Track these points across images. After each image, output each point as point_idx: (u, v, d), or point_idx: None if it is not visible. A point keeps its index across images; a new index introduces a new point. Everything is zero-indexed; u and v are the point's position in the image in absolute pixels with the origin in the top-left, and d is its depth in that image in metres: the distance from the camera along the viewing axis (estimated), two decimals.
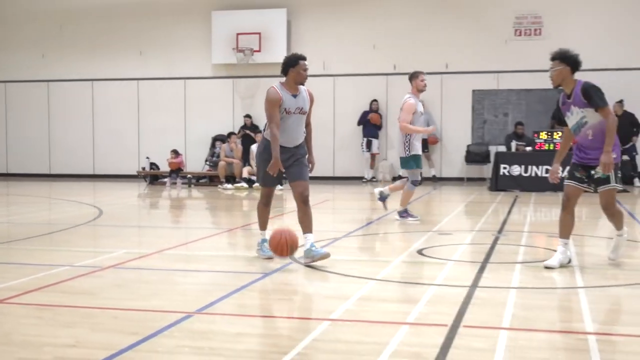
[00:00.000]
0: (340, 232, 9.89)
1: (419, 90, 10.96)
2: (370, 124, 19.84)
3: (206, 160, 20.40)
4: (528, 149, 16.92)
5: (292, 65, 7.39)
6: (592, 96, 6.87)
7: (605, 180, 7.01)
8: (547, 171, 16.32)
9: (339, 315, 5.41)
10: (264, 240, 7.69)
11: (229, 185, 18.49)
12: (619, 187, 7.19)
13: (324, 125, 20.33)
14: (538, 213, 12.82)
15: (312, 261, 7.29)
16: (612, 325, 5.25)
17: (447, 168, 19.96)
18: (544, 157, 16.30)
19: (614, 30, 18.59)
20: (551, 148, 16.35)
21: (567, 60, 7.02)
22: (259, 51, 20.43)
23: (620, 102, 17.46)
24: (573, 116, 7.07)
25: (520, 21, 19.15)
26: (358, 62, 20.22)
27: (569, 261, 7.33)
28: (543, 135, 16.52)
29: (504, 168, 16.63)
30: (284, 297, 6.23)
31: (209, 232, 10.63)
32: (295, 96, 7.43)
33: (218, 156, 19.40)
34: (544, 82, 18.74)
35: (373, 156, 20.06)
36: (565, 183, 7.28)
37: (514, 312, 5.53)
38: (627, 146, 16.86)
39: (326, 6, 20.52)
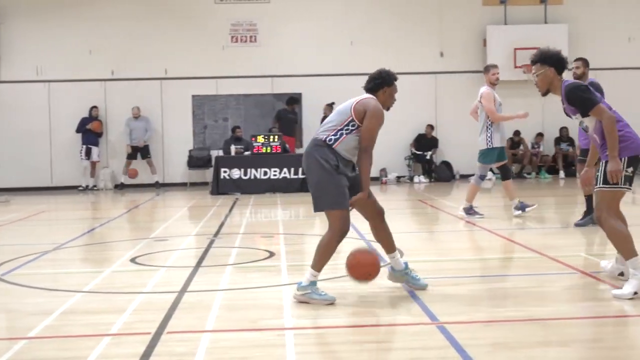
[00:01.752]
0: (53, 244, 9.50)
1: (492, 83, 10.98)
2: (90, 132, 19.25)
3: None
4: (247, 152, 17.36)
5: (389, 85, 6.09)
6: (576, 102, 5.94)
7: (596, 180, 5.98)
8: (265, 173, 16.88)
9: (39, 332, 5.20)
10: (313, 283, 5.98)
11: None
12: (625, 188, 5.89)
13: (41, 133, 19.47)
14: (255, 214, 13.19)
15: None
16: (313, 319, 5.52)
17: (170, 173, 19.91)
18: (262, 160, 16.84)
19: (322, 38, 19.60)
20: (268, 151, 16.92)
21: (549, 61, 6.15)
22: None
23: (331, 104, 18.52)
24: (575, 121, 6.24)
25: (236, 28, 19.60)
26: (74, 67, 19.53)
27: None
28: (260, 139, 17.04)
29: (224, 172, 16.93)
30: None
31: None
32: None
33: None
34: (261, 87, 19.62)
35: (93, 164, 19.49)
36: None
37: (219, 313, 5.66)
38: None
39: (38, 9, 19.59)
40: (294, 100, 18.88)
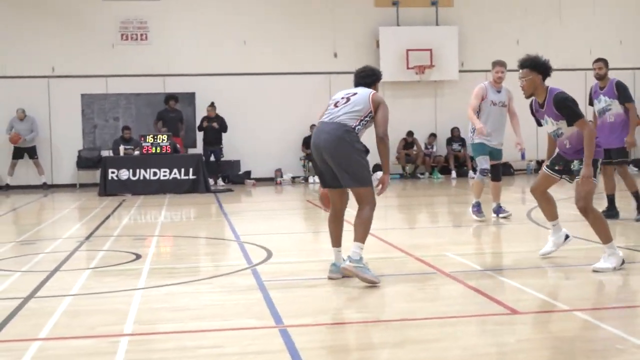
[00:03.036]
0: None
1: (494, 81, 10.31)
2: None
3: None
4: (136, 152, 17.01)
5: (379, 80, 6.87)
6: (564, 111, 6.70)
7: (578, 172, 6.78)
8: (155, 174, 16.57)
9: None
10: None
11: None
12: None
13: None
14: (137, 216, 12.88)
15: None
16: (153, 324, 5.37)
17: (59, 174, 19.34)
18: (152, 160, 16.53)
19: (215, 37, 19.38)
20: (158, 151, 16.62)
21: (538, 68, 6.71)
22: None
23: (212, 104, 18.34)
24: (548, 125, 6.91)
25: (126, 26, 19.19)
26: None
27: (567, 237, 7.41)
28: (150, 139, 16.72)
29: (112, 172, 16.54)
30: None
31: None
32: None
33: None
34: (153, 86, 19.26)
35: None
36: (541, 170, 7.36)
37: (59, 320, 5.44)
38: None
39: None
40: (173, 97, 18.45)
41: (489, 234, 9.79)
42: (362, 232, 6.41)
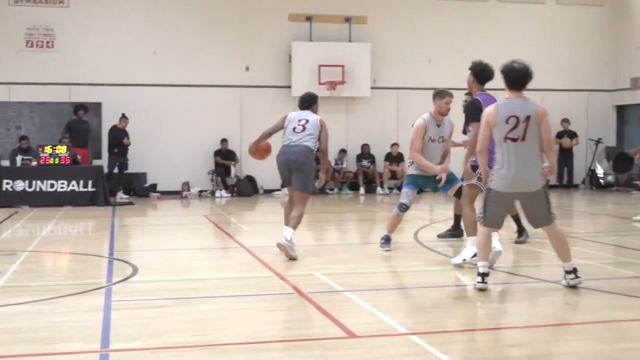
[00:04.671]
0: None
1: (439, 113, 9.00)
2: None
3: None
4: (34, 163, 16.49)
5: (316, 102, 9.39)
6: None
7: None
8: (52, 186, 16.09)
9: None
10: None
11: None
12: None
13: None
14: (21, 229, 12.39)
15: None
16: None
17: None
18: (49, 171, 16.05)
19: (124, 46, 19.02)
20: (57, 162, 16.14)
21: (474, 69, 8.54)
22: None
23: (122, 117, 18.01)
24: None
25: (31, 32, 18.67)
26: None
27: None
28: (48, 150, 16.24)
29: (7, 183, 15.99)
30: None
31: None
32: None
33: None
34: (58, 95, 18.75)
35: None
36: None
37: None
38: None
39: None
40: (82, 107, 17.94)
41: (369, 254, 9.66)
42: (295, 222, 8.91)
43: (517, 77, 6.80)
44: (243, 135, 19.59)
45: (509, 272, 7.99)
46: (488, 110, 6.85)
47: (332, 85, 19.64)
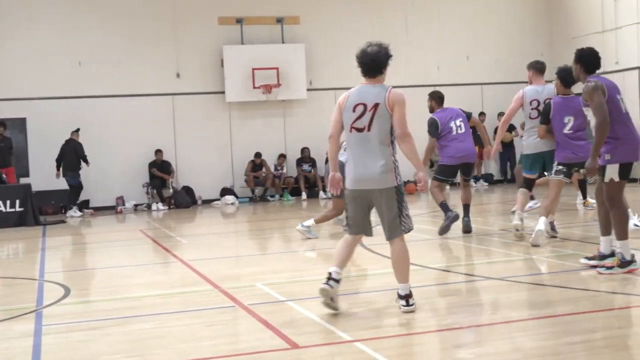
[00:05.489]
0: None
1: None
2: None
3: None
4: None
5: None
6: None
7: None
8: None
9: None
10: None
11: None
12: None
13: None
14: None
15: None
16: None
17: None
18: None
19: (47, 57, 18.31)
20: None
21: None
22: None
23: (77, 131, 17.44)
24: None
25: None
26: None
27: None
28: None
29: None
30: None
31: None
32: None
33: None
34: None
35: None
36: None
37: None
38: None
39: None
40: (1, 124, 17.03)
41: (312, 261, 9.30)
42: (320, 216, 10.83)
43: (365, 63, 5.84)
44: (178, 144, 19.09)
45: (444, 269, 7.74)
46: (342, 96, 6.01)
47: (267, 88, 19.25)
